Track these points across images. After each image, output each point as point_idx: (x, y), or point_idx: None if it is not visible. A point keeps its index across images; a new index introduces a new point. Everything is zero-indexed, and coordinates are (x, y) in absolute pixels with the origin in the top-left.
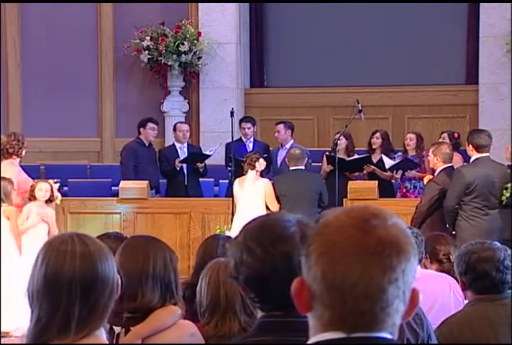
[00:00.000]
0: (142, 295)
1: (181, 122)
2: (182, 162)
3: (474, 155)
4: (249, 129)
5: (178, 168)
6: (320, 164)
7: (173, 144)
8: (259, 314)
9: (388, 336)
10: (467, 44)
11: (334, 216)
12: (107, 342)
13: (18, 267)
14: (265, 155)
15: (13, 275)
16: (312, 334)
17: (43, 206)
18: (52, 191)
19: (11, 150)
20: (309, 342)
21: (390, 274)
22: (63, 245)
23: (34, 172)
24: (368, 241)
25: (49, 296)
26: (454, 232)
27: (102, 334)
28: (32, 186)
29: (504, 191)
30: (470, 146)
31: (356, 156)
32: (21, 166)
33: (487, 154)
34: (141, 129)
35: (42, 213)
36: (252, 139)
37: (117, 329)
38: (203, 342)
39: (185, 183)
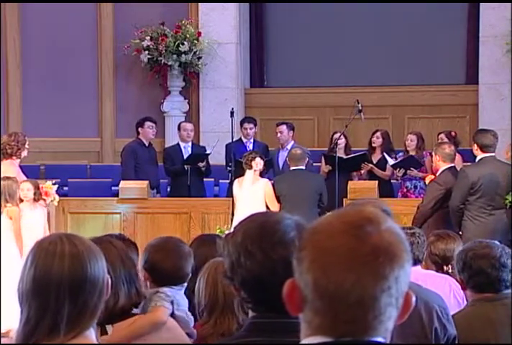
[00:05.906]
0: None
1: (185, 121)
2: (184, 164)
3: (479, 155)
4: (251, 129)
5: (187, 168)
6: (319, 164)
7: (178, 144)
8: (250, 314)
9: (381, 340)
10: (467, 44)
11: (326, 221)
12: (96, 342)
13: (19, 267)
14: (267, 158)
15: (14, 275)
16: (301, 337)
17: (32, 207)
18: (38, 189)
19: (9, 151)
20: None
21: (383, 282)
22: (52, 246)
23: (34, 172)
24: (361, 249)
25: (38, 297)
26: (460, 232)
27: (92, 334)
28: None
29: (506, 195)
30: (475, 145)
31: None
32: (20, 167)
33: (493, 154)
34: (139, 129)
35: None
36: (252, 140)
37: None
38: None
39: (188, 183)
